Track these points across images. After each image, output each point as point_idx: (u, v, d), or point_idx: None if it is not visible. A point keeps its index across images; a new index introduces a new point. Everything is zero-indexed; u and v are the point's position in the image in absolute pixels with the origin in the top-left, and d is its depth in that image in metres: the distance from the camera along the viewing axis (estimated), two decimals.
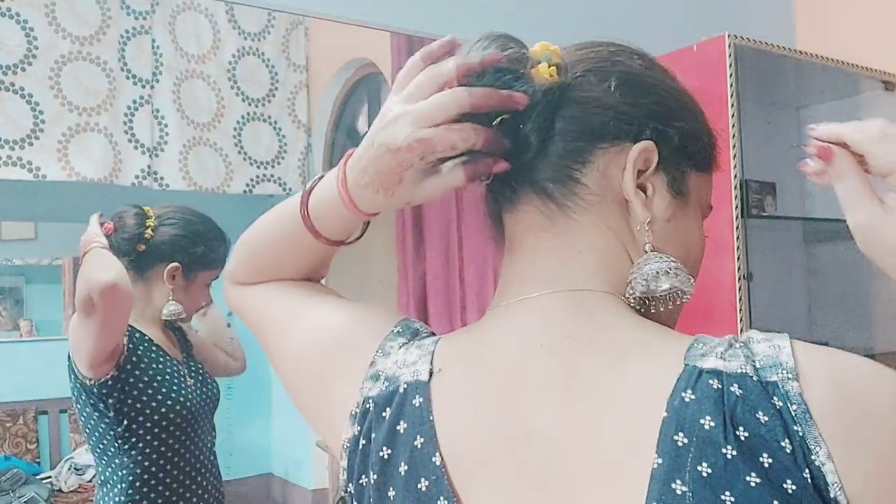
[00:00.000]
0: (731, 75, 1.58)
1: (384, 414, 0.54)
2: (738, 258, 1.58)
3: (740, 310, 1.58)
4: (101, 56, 2.72)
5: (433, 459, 0.51)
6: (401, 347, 0.58)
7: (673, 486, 0.45)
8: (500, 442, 0.51)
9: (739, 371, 0.47)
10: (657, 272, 0.53)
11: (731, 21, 1.98)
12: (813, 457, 0.44)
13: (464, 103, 0.51)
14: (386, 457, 0.53)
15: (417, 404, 0.53)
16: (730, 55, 1.58)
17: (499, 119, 0.52)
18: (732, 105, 1.57)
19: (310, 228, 0.60)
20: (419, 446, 0.52)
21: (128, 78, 2.78)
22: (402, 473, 0.52)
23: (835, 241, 2.04)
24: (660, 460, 0.45)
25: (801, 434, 0.45)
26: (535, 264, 0.56)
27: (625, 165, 0.54)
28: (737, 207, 1.58)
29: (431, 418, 0.53)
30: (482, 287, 2.27)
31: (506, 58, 0.53)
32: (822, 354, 0.48)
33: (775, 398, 0.46)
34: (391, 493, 0.52)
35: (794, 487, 0.44)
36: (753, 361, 0.47)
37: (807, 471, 0.44)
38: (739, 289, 1.58)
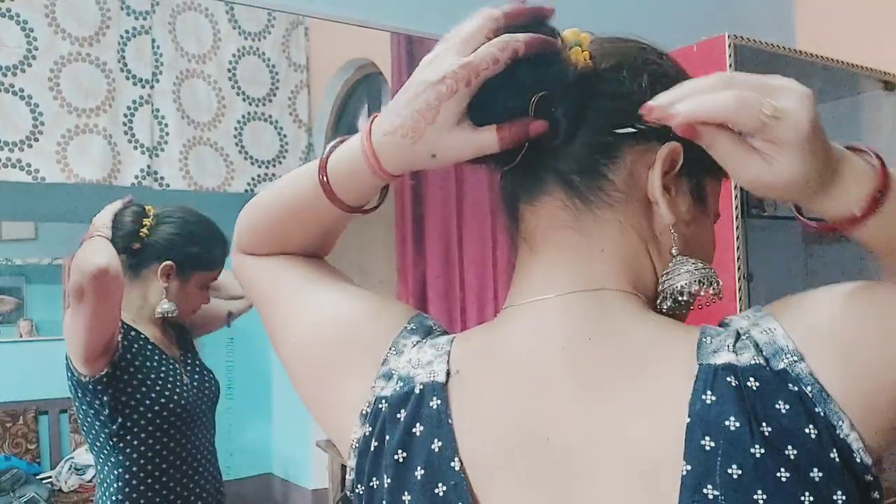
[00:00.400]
0: None
1: (399, 415, 0.53)
2: (738, 258, 1.58)
3: (740, 310, 1.58)
4: (100, 57, 2.72)
5: (452, 464, 0.50)
6: (414, 346, 0.56)
7: (704, 491, 0.45)
8: (521, 447, 0.50)
9: (753, 363, 0.47)
10: (688, 285, 0.53)
11: (731, 21, 1.98)
12: (838, 431, 0.45)
13: (496, 15, 0.50)
14: (401, 460, 0.51)
15: (435, 407, 0.52)
16: (730, 55, 1.58)
17: (538, 96, 0.51)
18: None
19: (326, 191, 0.57)
20: (437, 450, 0.51)
21: (127, 78, 2.78)
22: (419, 478, 0.51)
23: (834, 242, 2.03)
24: (688, 467, 0.45)
25: (823, 414, 0.46)
26: (557, 263, 0.55)
27: (651, 165, 0.54)
28: (737, 207, 1.58)
29: (450, 422, 0.51)
30: (482, 287, 2.27)
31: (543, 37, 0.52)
32: (806, 320, 0.49)
33: (790, 384, 0.46)
34: (406, 498, 0.51)
35: (821, 475, 0.44)
36: (761, 350, 0.48)
37: (834, 450, 0.45)
38: (739, 289, 1.57)
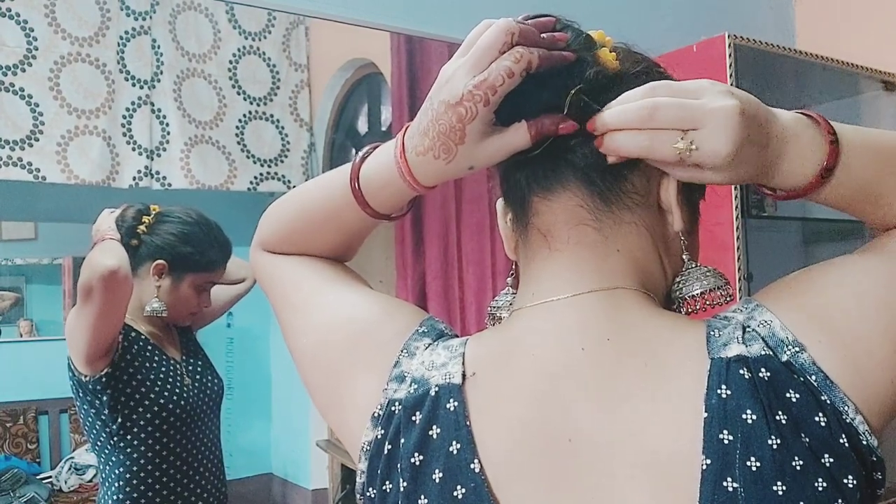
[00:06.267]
0: (731, 75, 1.58)
1: (414, 418, 0.52)
2: (738, 258, 1.58)
3: None
4: (100, 58, 2.72)
5: (471, 466, 0.50)
6: (426, 348, 0.56)
7: (724, 484, 0.45)
8: (542, 448, 0.50)
9: (763, 353, 0.48)
10: (703, 291, 0.55)
11: (731, 21, 1.98)
12: (844, 417, 0.47)
13: (512, 28, 0.50)
14: (418, 463, 0.51)
15: (452, 408, 0.52)
16: (730, 55, 1.58)
17: (574, 90, 0.52)
18: None
19: (358, 199, 0.57)
20: (455, 452, 0.50)
21: (126, 79, 2.78)
22: (437, 480, 0.50)
23: (834, 242, 2.03)
24: (708, 461, 0.46)
25: (829, 401, 0.47)
26: (575, 261, 0.55)
27: (664, 173, 0.54)
28: (737, 207, 1.58)
29: (468, 423, 0.51)
30: (481, 287, 2.27)
31: (572, 36, 0.53)
32: (799, 310, 0.50)
33: (795, 374, 0.48)
34: (423, 501, 0.50)
35: (832, 460, 0.46)
36: (766, 342, 0.49)
37: (843, 436, 0.46)
38: (740, 289, 1.58)
